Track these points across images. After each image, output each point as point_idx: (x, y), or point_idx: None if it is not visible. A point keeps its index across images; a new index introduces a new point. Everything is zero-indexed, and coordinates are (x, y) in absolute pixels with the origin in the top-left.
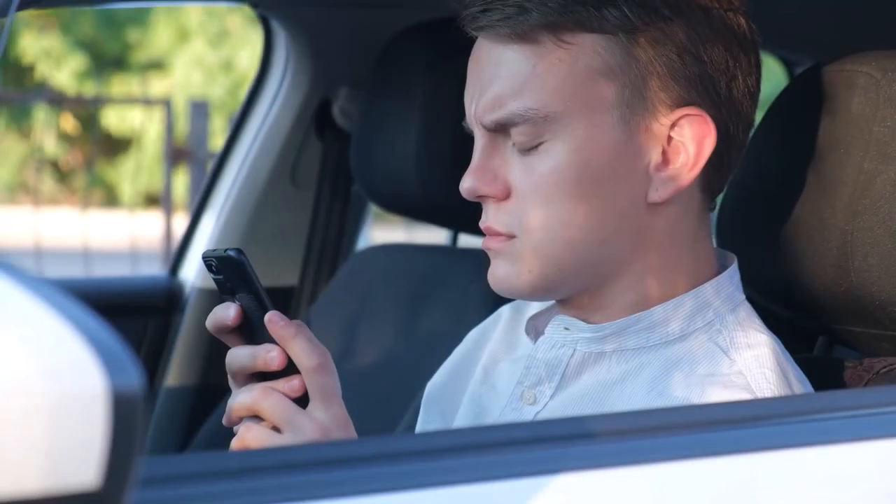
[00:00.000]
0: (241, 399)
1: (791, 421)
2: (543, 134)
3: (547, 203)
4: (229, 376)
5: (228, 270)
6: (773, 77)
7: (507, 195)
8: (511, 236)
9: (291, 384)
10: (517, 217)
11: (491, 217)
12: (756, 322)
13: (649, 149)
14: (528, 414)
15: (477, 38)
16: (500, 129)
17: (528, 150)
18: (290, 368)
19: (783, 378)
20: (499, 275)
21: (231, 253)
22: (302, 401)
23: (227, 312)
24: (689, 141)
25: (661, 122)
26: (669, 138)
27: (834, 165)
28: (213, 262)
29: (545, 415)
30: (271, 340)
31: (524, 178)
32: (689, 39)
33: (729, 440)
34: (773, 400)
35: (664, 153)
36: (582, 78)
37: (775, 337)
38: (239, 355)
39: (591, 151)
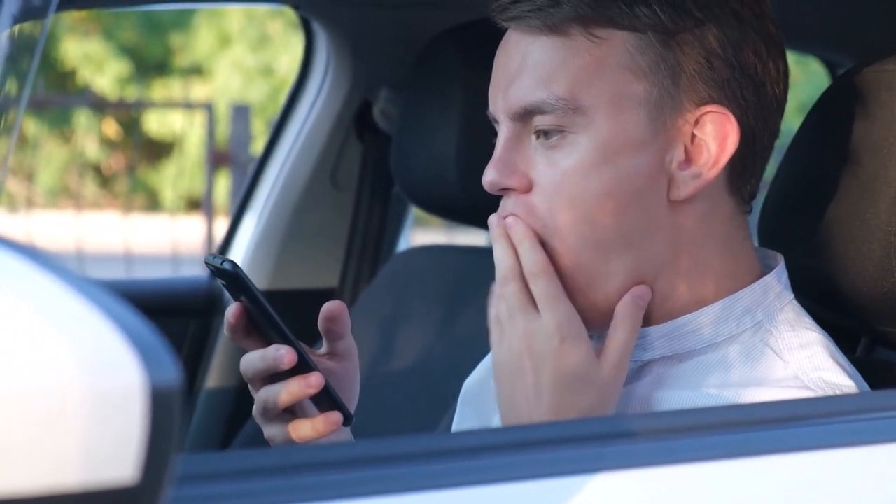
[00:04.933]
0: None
1: (834, 421)
2: (569, 126)
3: (570, 202)
4: (248, 383)
5: (227, 279)
6: (815, 80)
7: (528, 189)
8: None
9: (308, 381)
10: (540, 217)
11: (510, 207)
12: (807, 320)
13: (673, 147)
14: None
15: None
16: (526, 120)
17: (552, 144)
18: (303, 367)
19: (840, 374)
20: None
21: (226, 266)
22: (321, 396)
23: (228, 311)
24: (711, 139)
25: (686, 119)
26: (693, 136)
27: (877, 165)
28: (213, 269)
29: None
30: (279, 342)
31: (547, 172)
32: (720, 43)
33: (770, 440)
34: (813, 400)
35: (686, 151)
36: (612, 74)
37: (826, 334)
38: (250, 359)
39: (616, 148)
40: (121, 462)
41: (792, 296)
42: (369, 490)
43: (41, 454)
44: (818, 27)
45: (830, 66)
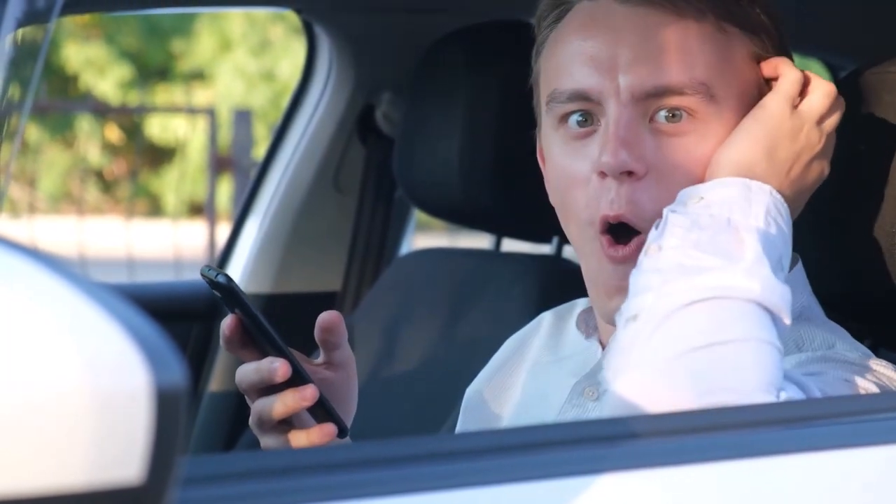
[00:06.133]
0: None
1: (836, 422)
2: (700, 113)
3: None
4: (244, 394)
5: (222, 292)
6: None
7: (645, 173)
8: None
9: (303, 393)
10: (653, 208)
11: (625, 196)
12: (824, 317)
13: None
14: (591, 410)
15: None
16: (651, 101)
17: (676, 130)
18: (299, 379)
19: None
20: None
21: (221, 279)
22: (316, 408)
23: (223, 323)
24: None
25: None
26: None
27: (879, 167)
28: (209, 281)
29: None
30: (274, 354)
31: (668, 160)
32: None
33: (774, 441)
34: (816, 401)
35: None
36: (739, 68)
37: (845, 331)
38: (245, 371)
39: None
40: (126, 462)
41: (809, 292)
42: (372, 491)
43: (47, 454)
44: (820, 29)
45: (832, 69)
